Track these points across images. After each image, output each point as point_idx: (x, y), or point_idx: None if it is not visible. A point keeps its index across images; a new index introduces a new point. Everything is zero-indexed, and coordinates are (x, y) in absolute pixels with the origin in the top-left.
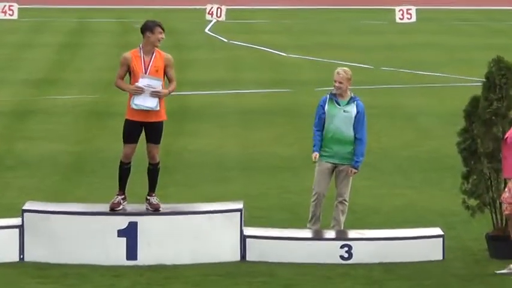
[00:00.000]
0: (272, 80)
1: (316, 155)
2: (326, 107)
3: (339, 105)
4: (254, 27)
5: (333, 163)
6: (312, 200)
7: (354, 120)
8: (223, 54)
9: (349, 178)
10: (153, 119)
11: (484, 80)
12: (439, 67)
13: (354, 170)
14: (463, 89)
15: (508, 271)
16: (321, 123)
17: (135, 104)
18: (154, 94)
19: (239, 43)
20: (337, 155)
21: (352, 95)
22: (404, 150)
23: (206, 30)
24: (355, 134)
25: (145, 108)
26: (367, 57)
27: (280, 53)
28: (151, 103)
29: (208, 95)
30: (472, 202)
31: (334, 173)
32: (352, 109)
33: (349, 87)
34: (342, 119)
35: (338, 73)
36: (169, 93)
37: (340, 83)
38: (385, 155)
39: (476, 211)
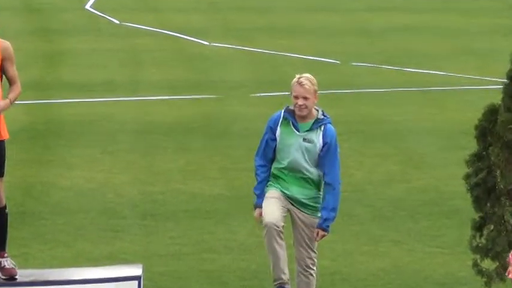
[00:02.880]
0: (187, 81)
1: (261, 212)
2: (278, 130)
3: (298, 130)
4: (161, 2)
5: (287, 196)
6: (264, 234)
7: (319, 155)
8: (113, 43)
9: (312, 239)
10: None
11: (505, 81)
12: (436, 61)
13: (322, 233)
14: (474, 94)
15: None
16: (269, 152)
17: None
18: None
19: (137, 26)
20: (294, 195)
21: (320, 115)
22: (385, 187)
23: (87, 6)
24: (322, 175)
25: None
26: (330, 48)
27: (200, 41)
28: None
29: (89, 103)
30: (488, 264)
31: (290, 216)
32: (317, 138)
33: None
34: (300, 151)
35: (301, 84)
36: (11, 103)
37: (306, 98)
38: (357, 195)
39: (494, 278)
